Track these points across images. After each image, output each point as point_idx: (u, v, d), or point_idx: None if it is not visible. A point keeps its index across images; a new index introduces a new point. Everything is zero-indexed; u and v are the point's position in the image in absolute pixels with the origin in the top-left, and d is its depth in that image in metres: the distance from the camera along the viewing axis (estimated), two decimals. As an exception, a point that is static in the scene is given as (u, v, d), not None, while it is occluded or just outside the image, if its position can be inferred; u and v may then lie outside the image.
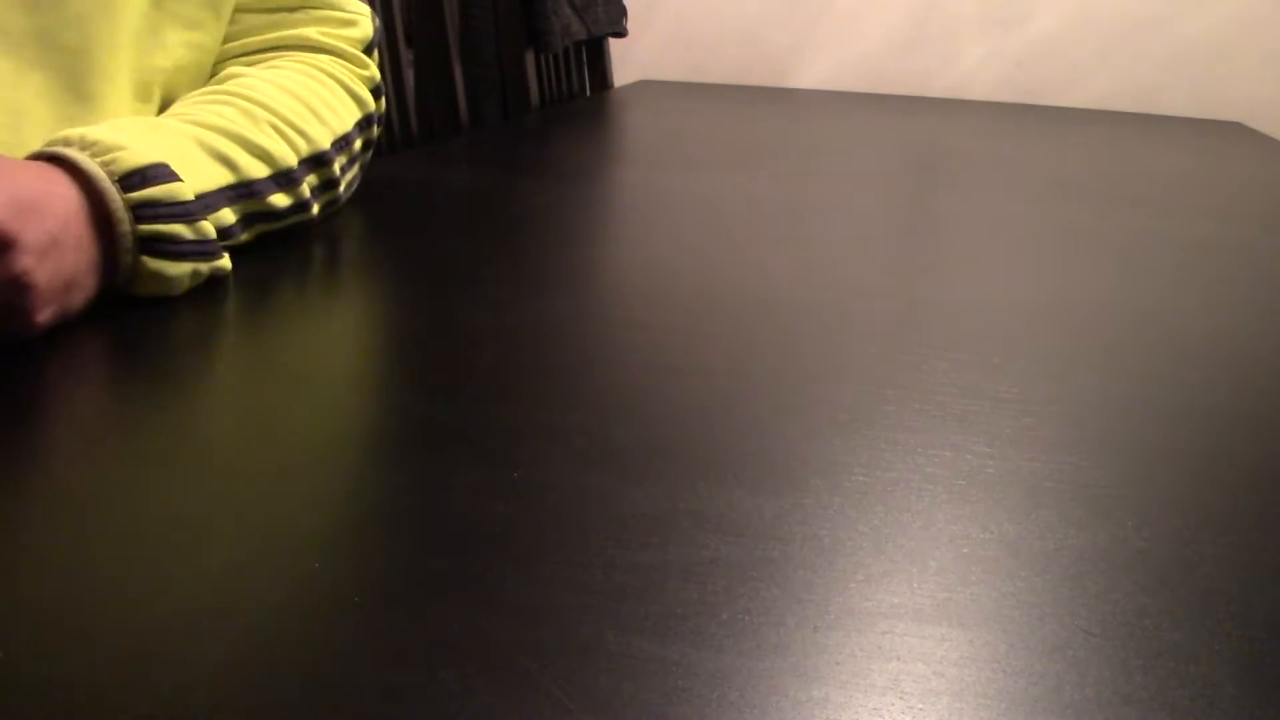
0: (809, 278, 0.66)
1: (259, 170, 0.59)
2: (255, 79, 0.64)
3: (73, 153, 0.48)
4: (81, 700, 0.24)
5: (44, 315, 0.45)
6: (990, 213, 0.89)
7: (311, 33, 0.72)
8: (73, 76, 0.56)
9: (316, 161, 0.65)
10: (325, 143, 0.66)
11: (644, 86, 1.83)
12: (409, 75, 1.19)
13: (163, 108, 0.64)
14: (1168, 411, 0.45)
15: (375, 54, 0.78)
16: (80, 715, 0.24)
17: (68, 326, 0.47)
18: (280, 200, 0.61)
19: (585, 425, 0.41)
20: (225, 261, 0.55)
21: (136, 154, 0.50)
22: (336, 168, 0.68)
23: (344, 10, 0.75)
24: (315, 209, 0.66)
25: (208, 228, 0.53)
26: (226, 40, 0.69)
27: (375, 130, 0.76)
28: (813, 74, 2.07)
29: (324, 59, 0.72)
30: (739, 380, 0.46)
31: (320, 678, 0.25)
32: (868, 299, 0.62)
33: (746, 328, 0.55)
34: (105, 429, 0.39)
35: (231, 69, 0.67)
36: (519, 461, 0.37)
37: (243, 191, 0.58)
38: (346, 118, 0.70)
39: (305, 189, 0.64)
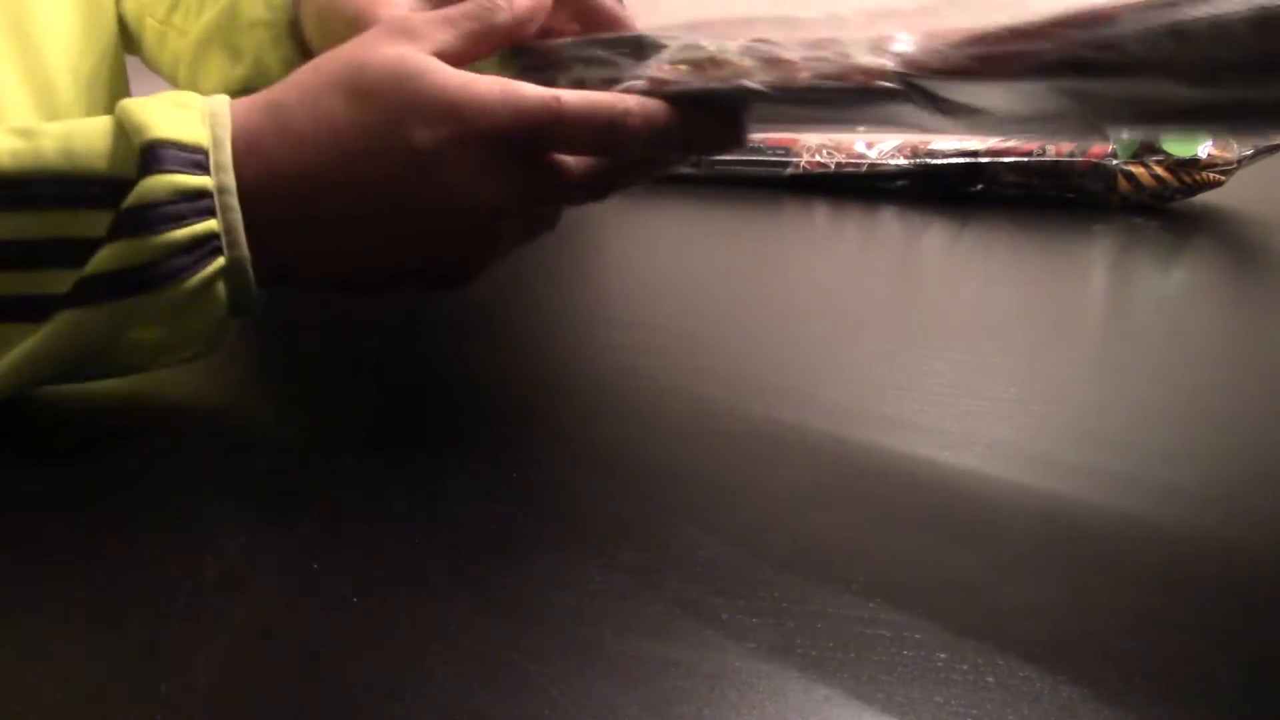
0: (808, 277, 0.66)
1: None
2: None
3: None
4: (80, 700, 0.24)
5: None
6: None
7: None
8: None
9: None
10: None
11: (644, 86, 1.83)
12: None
13: None
14: (1168, 411, 0.45)
15: None
16: (79, 715, 0.24)
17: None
18: None
19: (585, 425, 0.41)
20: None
21: None
22: None
23: None
24: None
25: None
26: None
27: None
28: (813, 73, 2.07)
29: None
30: (738, 380, 0.46)
31: (320, 678, 0.25)
32: (867, 298, 0.62)
33: (746, 327, 0.55)
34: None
35: None
36: (519, 461, 0.37)
37: None
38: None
39: None
